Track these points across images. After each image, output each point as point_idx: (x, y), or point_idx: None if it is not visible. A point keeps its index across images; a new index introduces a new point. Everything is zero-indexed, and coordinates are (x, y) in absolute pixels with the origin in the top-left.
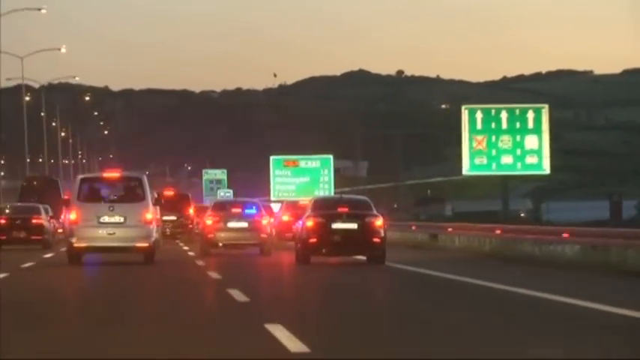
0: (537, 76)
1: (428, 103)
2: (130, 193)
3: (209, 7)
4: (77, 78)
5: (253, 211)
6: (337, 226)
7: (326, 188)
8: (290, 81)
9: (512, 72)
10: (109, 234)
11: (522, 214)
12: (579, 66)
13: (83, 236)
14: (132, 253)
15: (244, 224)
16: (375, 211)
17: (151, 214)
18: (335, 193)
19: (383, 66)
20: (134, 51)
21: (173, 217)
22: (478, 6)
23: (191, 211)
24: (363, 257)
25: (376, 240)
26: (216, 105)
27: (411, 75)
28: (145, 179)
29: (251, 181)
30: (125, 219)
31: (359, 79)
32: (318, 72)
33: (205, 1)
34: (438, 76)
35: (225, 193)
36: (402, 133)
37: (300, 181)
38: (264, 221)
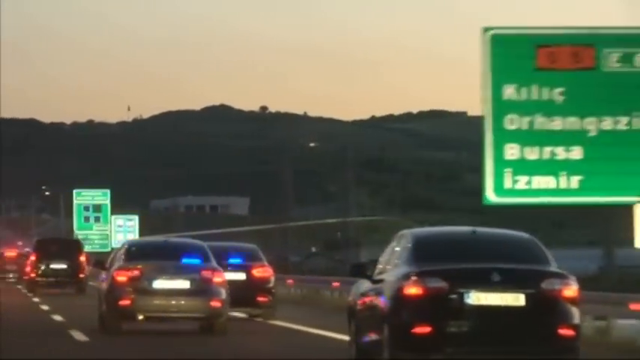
0: (408, 116)
1: (295, 141)
2: None
3: (56, 32)
4: None
5: (196, 261)
6: (480, 298)
7: None
8: (146, 115)
9: (381, 111)
10: None
11: None
12: (452, 107)
13: None
14: None
15: (185, 283)
16: (551, 265)
17: None
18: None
19: (246, 101)
20: None
21: (63, 266)
22: (345, 45)
23: (82, 258)
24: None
25: (565, 332)
26: (68, 137)
27: (276, 111)
28: None
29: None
30: None
31: (221, 114)
32: (177, 106)
33: (52, 26)
34: (305, 113)
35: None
36: (277, 168)
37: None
38: (218, 278)
